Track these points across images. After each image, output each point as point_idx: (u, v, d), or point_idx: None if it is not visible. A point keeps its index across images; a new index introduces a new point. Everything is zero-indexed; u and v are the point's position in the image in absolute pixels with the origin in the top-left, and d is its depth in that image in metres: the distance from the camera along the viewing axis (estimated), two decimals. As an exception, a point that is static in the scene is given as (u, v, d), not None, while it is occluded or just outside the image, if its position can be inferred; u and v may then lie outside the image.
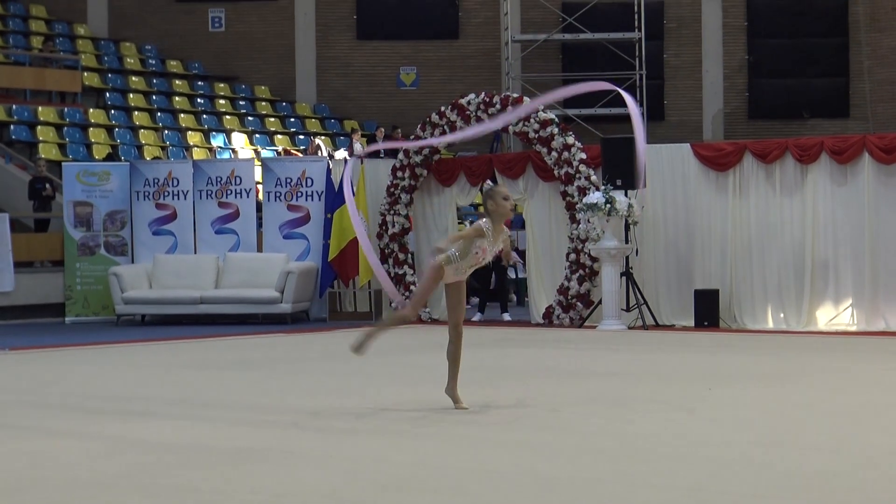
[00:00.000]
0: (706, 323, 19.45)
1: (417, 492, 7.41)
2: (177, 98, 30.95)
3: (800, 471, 7.77)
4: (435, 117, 21.93)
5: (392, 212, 22.19)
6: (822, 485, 7.33)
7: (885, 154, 18.53)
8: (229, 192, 23.41)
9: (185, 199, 23.40)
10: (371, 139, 29.67)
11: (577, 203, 20.13)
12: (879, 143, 18.79)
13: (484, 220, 9.97)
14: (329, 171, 23.01)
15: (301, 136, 30.52)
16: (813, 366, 14.29)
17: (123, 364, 15.72)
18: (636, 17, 31.45)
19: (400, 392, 12.52)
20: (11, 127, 27.05)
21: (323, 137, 29.93)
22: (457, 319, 10.18)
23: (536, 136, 20.89)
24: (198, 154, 28.16)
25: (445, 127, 21.72)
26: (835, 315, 18.94)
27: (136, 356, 16.70)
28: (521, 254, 22.80)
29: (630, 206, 19.33)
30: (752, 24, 32.45)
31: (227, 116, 30.90)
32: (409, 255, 22.30)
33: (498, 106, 21.36)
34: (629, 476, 7.60)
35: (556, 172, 20.67)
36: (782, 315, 19.22)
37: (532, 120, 20.91)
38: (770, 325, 19.23)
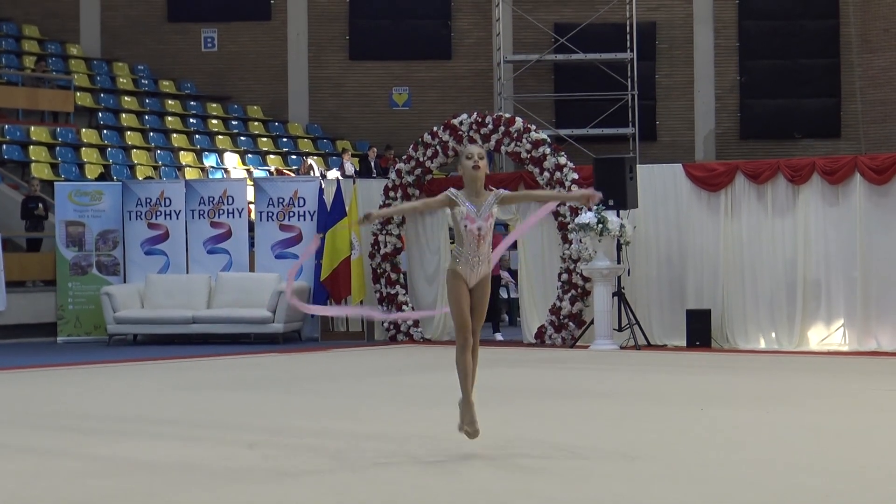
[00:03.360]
0: (698, 343, 19.48)
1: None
2: (169, 118, 30.99)
3: (792, 490, 7.79)
4: (427, 137, 21.98)
5: (384, 231, 22.20)
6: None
7: (876, 175, 18.57)
8: (221, 211, 23.42)
9: (178, 218, 23.41)
10: (363, 159, 29.72)
11: (569, 223, 20.16)
12: (871, 164, 18.83)
13: (452, 189, 9.02)
14: (321, 190, 23.04)
15: (293, 156, 30.56)
16: (805, 387, 14.31)
17: (115, 384, 15.69)
18: (628, 37, 31.53)
19: (396, 413, 12.53)
20: (4, 146, 27.06)
21: (315, 157, 29.95)
22: (473, 325, 8.96)
23: (528, 156, 20.93)
24: (190, 174, 28.18)
25: (437, 147, 21.76)
26: (826, 335, 18.97)
27: (128, 376, 16.69)
28: (514, 273, 22.85)
29: (622, 226, 19.37)
30: (743, 45, 32.55)
31: (220, 136, 30.94)
32: (401, 276, 22.30)
33: (490, 126, 21.41)
34: (622, 496, 7.61)
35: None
36: (774, 335, 19.25)
37: (524, 140, 20.96)
38: (762, 345, 19.26)
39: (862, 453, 9.29)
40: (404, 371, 16.97)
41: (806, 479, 8.13)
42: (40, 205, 24.60)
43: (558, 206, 20.01)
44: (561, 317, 20.41)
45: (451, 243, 22.81)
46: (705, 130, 32.43)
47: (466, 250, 8.73)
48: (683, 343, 19.66)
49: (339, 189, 22.85)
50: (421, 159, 22.01)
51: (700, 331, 19.57)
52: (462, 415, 8.59)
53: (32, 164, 26.70)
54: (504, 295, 23.73)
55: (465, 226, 8.66)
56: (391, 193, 22.18)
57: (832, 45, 32.24)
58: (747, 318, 19.47)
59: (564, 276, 20.41)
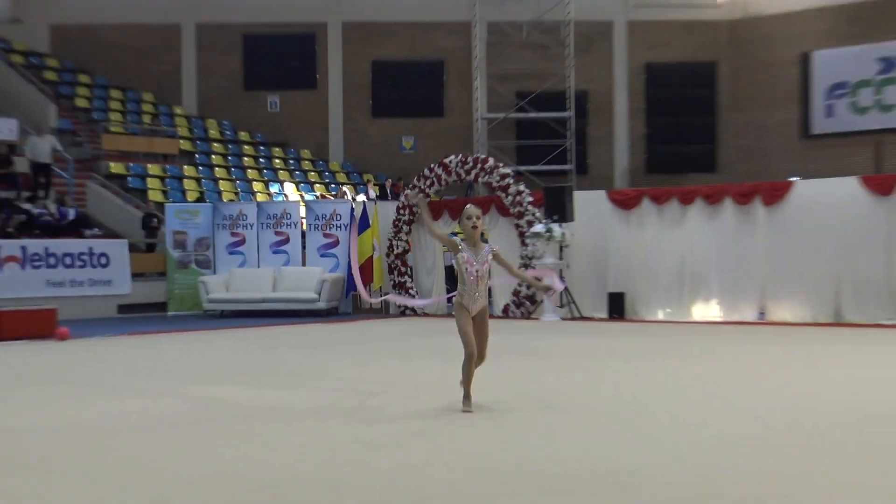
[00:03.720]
0: (615, 315, 19.60)
1: (436, 434, 7.51)
2: (245, 158, 31.05)
3: (678, 411, 7.90)
4: (427, 171, 22.14)
5: (396, 238, 22.35)
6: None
7: (741, 198, 18.71)
8: (282, 224, 23.53)
9: (251, 229, 23.52)
10: (382, 187, 29.80)
11: (526, 232, 20.28)
12: (738, 191, 18.97)
13: (459, 238, 8.74)
14: (352, 209, 23.14)
15: (332, 185, 30.62)
16: (690, 346, 14.41)
17: (208, 345, 15.81)
18: (568, 101, 31.59)
19: (409, 366, 12.63)
20: (129, 178, 27.15)
21: (348, 186, 30.04)
22: (480, 347, 8.47)
23: (498, 184, 21.08)
24: (260, 197, 28.24)
25: (434, 178, 21.92)
26: (706, 310, 19.11)
27: (216, 339, 16.77)
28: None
29: (563, 234, 19.48)
30: (648, 108, 32.61)
31: (281, 171, 30.99)
32: (409, 269, 22.42)
33: (471, 164, 21.57)
34: (558, 423, 7.70)
35: (511, 210, 20.83)
36: (669, 310, 19.38)
37: (495, 173, 21.08)
38: (660, 317, 19.41)
39: (726, 390, 9.40)
40: (411, 336, 17.07)
41: (689, 405, 8.27)
42: (155, 219, 24.70)
43: (516, 222, 20.12)
44: (520, 297, 20.54)
45: (443, 248, 22.98)
46: (622, 167, 32.53)
47: (468, 288, 8.43)
48: (605, 316, 19.78)
49: (364, 209, 22.98)
50: (422, 187, 22.14)
51: (617, 307, 19.71)
52: (463, 401, 8.27)
53: (149, 191, 26.77)
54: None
55: (466, 269, 8.40)
56: (401, 211, 22.31)
57: (710, 108, 32.35)
58: (650, 298, 19.60)
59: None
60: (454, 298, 8.57)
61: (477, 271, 8.40)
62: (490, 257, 8.50)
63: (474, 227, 8.41)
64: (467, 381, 8.33)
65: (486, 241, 8.70)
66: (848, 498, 5.43)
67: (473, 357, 8.28)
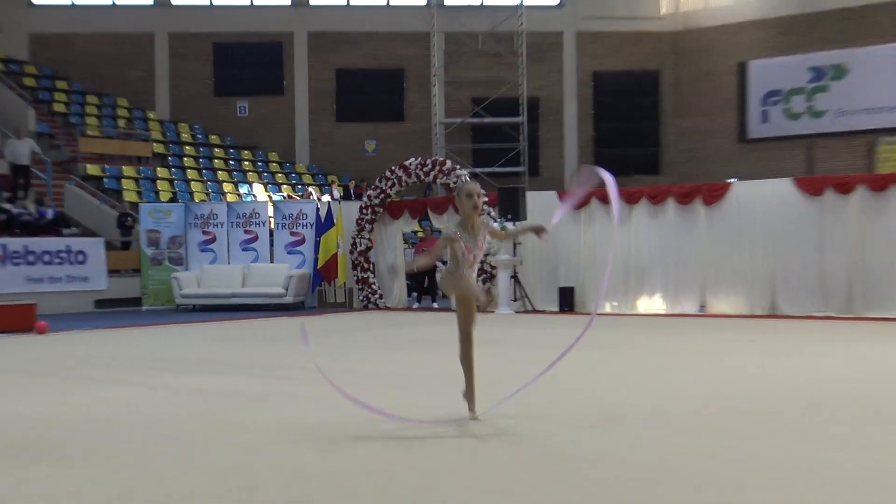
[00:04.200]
0: (566, 309, 19.65)
1: (383, 422, 7.48)
2: (216, 160, 30.89)
3: (618, 389, 7.93)
4: (388, 173, 22.06)
5: (360, 236, 22.26)
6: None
7: (683, 198, 18.81)
8: (251, 223, 23.44)
9: (222, 228, 23.41)
10: (346, 188, 29.75)
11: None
12: (679, 191, 19.06)
13: (450, 229, 7.38)
14: (318, 209, 23.09)
15: (299, 186, 30.52)
16: (634, 335, 14.49)
17: (180, 337, 15.69)
18: (520, 107, 31.67)
19: (373, 355, 12.61)
20: (105, 179, 26.97)
21: (314, 187, 29.95)
22: (468, 328, 7.57)
23: (455, 186, 21.04)
24: (230, 198, 28.12)
25: (395, 179, 21.84)
26: (650, 303, 19.19)
27: (189, 332, 16.67)
28: (445, 263, 22.87)
29: (516, 232, 19.47)
30: (596, 113, 32.77)
31: (250, 173, 30.86)
32: (371, 265, 22.35)
33: (430, 166, 21.51)
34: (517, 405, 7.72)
35: (467, 210, 20.81)
36: (615, 303, 19.44)
37: (452, 175, 21.06)
38: (608, 310, 19.44)
39: (665, 375, 9.45)
40: (373, 327, 17.03)
41: (631, 388, 8.30)
42: (130, 218, 24.55)
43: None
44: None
45: (404, 245, 22.93)
46: (571, 169, 32.62)
47: (463, 269, 7.31)
48: (556, 309, 19.82)
49: (329, 208, 22.91)
50: (384, 188, 22.08)
51: (567, 301, 19.75)
52: (468, 403, 7.29)
53: (124, 191, 26.60)
54: (439, 276, 23.77)
55: (463, 254, 7.22)
56: (364, 211, 22.24)
57: (654, 114, 32.54)
58: (597, 291, 19.66)
59: (478, 265, 20.51)
60: (444, 270, 7.53)
61: (474, 256, 7.35)
62: (487, 236, 7.43)
63: (475, 208, 7.18)
64: (469, 372, 7.43)
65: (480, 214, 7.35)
66: (775, 477, 5.46)
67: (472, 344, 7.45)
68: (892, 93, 28.24)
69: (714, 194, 18.60)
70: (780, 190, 18.05)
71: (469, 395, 7.35)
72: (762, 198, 18.13)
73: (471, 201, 7.12)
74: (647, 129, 32.50)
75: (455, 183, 21.01)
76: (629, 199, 19.38)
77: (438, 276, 23.63)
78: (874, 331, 14.65)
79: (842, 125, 29.09)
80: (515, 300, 19.96)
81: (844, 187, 17.37)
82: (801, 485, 5.32)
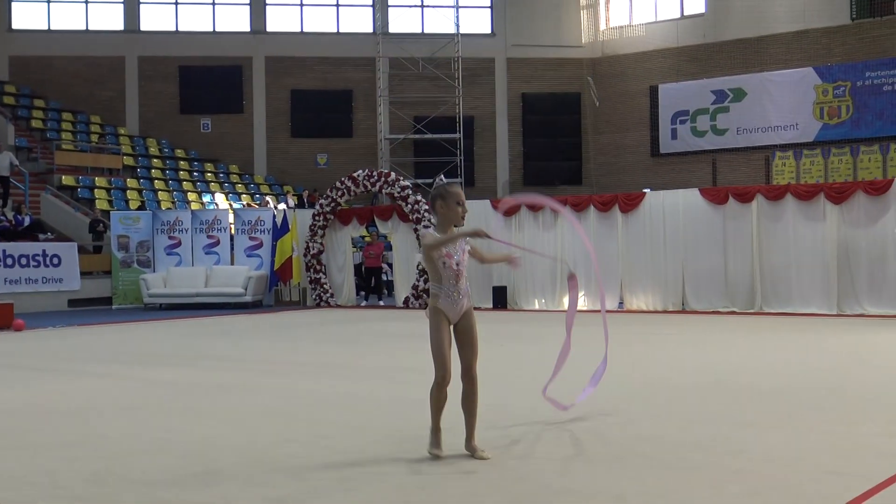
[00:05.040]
0: (499, 306, 19.65)
1: (346, 409, 7.41)
2: (181, 172, 30.54)
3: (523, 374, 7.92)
4: (338, 184, 21.93)
5: (313, 240, 22.09)
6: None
7: (602, 206, 18.90)
8: (213, 229, 23.18)
9: (186, 233, 23.13)
10: (300, 197, 29.59)
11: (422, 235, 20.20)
12: (599, 200, 19.15)
13: (428, 230, 5.88)
14: (274, 216, 22.92)
15: (257, 195, 30.27)
16: (557, 331, 14.51)
17: (148, 333, 15.48)
18: (457, 124, 31.71)
19: (330, 349, 12.53)
20: (78, 189, 26.57)
21: (270, 196, 29.71)
22: (468, 362, 5.59)
23: (399, 195, 20.97)
24: (194, 206, 27.80)
25: (344, 189, 21.70)
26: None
27: (156, 329, 16.47)
28: (390, 265, 22.84)
29: (454, 237, 19.43)
30: (525, 130, 32.84)
31: (212, 183, 30.54)
32: (323, 267, 22.18)
33: (376, 177, 21.42)
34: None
35: (410, 217, 20.76)
36: (543, 301, 19.49)
37: (396, 186, 20.98)
38: (536, 307, 19.49)
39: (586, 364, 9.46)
40: (326, 324, 16.93)
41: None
42: (101, 225, 24.19)
43: (414, 227, 20.05)
44: (418, 290, 20.46)
45: (353, 248, 22.82)
46: (503, 180, 32.71)
47: (446, 286, 5.72)
48: (490, 306, 19.81)
49: (285, 215, 22.72)
50: (334, 197, 21.93)
51: (500, 299, 19.76)
52: (431, 441, 5.55)
53: (96, 200, 26.20)
54: (385, 278, 23.71)
55: (444, 262, 5.72)
56: (317, 218, 22.08)
57: (576, 131, 32.71)
58: (527, 291, 19.67)
59: (420, 266, 20.49)
60: (429, 302, 5.79)
61: (457, 264, 5.79)
62: (468, 248, 5.93)
63: (463, 216, 5.89)
64: (436, 412, 5.57)
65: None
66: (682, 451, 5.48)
67: (446, 381, 5.50)
68: (784, 113, 28.67)
69: (630, 203, 18.73)
70: (688, 199, 18.22)
71: (470, 442, 5.58)
72: (672, 206, 18.29)
73: (460, 209, 5.81)
74: (570, 145, 32.66)
75: (399, 193, 20.94)
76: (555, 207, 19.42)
77: (385, 278, 23.66)
78: (773, 324, 14.85)
79: (741, 142, 29.47)
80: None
81: (744, 197, 17.58)
82: (696, 457, 5.34)
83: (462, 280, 5.77)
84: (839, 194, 16.64)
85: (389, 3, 32.79)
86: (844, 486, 4.71)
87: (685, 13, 31.03)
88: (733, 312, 17.21)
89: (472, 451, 5.51)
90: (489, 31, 33.05)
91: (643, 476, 5.05)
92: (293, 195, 30.10)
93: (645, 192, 19.13)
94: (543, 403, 6.87)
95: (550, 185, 30.80)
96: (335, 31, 32.84)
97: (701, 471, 5.13)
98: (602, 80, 32.31)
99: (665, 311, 17.91)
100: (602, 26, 32.55)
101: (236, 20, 32.59)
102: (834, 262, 16.59)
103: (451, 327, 5.68)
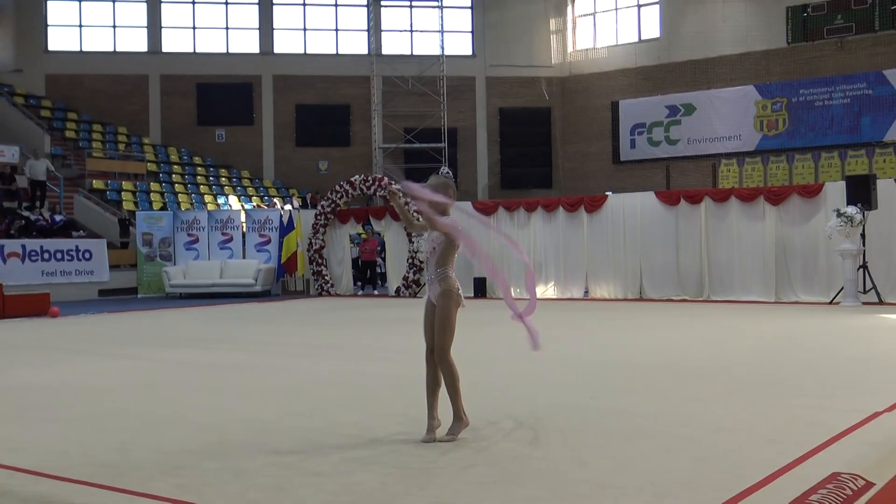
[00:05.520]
0: (479, 295, 19.64)
1: (345, 386, 7.39)
2: (198, 177, 30.37)
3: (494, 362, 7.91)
4: (337, 187, 21.87)
5: (315, 237, 22.03)
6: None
7: (570, 207, 18.92)
8: (227, 227, 23.09)
9: (203, 231, 23.03)
10: (304, 200, 29.52)
11: (413, 233, 20.20)
12: (567, 202, 19.18)
13: (445, 218, 5.46)
14: (281, 216, 22.84)
15: (266, 198, 30.14)
16: (536, 315, 14.51)
17: (169, 319, 15.43)
18: (442, 135, 31.66)
19: (330, 332, 12.49)
20: (108, 192, 26.41)
21: (278, 198, 29.60)
22: (433, 344, 5.44)
23: (386, 191, 20.89)
24: (210, 207, 27.65)
25: (343, 192, 21.65)
26: (545, 290, 19.28)
27: (176, 315, 16.41)
28: (384, 259, 22.79)
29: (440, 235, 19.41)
30: (502, 140, 32.75)
31: (226, 187, 30.38)
32: (324, 261, 22.13)
33: (370, 181, 21.37)
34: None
35: (401, 217, 20.70)
36: (518, 290, 19.43)
37: (388, 189, 20.95)
38: (512, 295, 19.41)
39: (555, 346, 9.45)
40: (327, 310, 16.88)
41: (525, 353, 8.28)
42: (128, 223, 24.08)
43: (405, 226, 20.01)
44: (408, 281, 20.45)
45: (351, 244, 22.78)
46: (483, 184, 32.68)
47: (426, 272, 5.52)
48: (472, 295, 19.78)
49: (290, 215, 22.65)
50: (334, 199, 21.87)
51: (481, 288, 19.76)
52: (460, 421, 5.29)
53: (123, 202, 26.05)
54: (379, 270, 23.67)
55: (426, 247, 5.50)
56: (318, 217, 22.03)
57: (547, 141, 32.68)
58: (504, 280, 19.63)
59: (409, 260, 20.47)
60: (447, 285, 5.50)
61: (434, 249, 5.54)
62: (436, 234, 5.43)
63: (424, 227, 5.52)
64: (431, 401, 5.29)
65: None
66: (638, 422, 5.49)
67: (427, 358, 5.41)
68: (729, 125, 28.73)
69: (594, 204, 18.75)
70: (645, 201, 18.25)
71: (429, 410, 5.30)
72: (631, 207, 18.32)
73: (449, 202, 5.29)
74: (542, 153, 32.63)
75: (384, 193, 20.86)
76: (528, 207, 19.46)
77: (380, 270, 23.61)
78: (719, 310, 14.90)
79: (692, 150, 29.51)
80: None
81: (694, 199, 17.62)
82: (651, 428, 5.36)
83: (430, 265, 5.55)
84: (777, 197, 16.71)
85: (382, 28, 32.72)
86: (780, 452, 4.73)
87: (642, 37, 31.06)
88: (684, 300, 17.26)
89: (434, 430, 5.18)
90: (471, 52, 33.01)
91: (604, 444, 5.07)
92: (298, 197, 30.01)
93: (607, 195, 19.16)
94: (514, 382, 6.87)
95: (524, 189, 30.79)
96: (334, 52, 32.73)
97: (655, 439, 5.15)
98: (569, 96, 32.31)
99: (625, 300, 17.95)
100: (569, 49, 32.55)
101: (247, 42, 32.47)
102: (772, 257, 16.67)
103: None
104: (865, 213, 14.97)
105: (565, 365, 8.21)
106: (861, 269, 15.30)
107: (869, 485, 4.17)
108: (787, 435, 5.15)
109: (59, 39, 31.67)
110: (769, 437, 5.13)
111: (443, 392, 5.42)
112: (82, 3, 31.57)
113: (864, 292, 15.23)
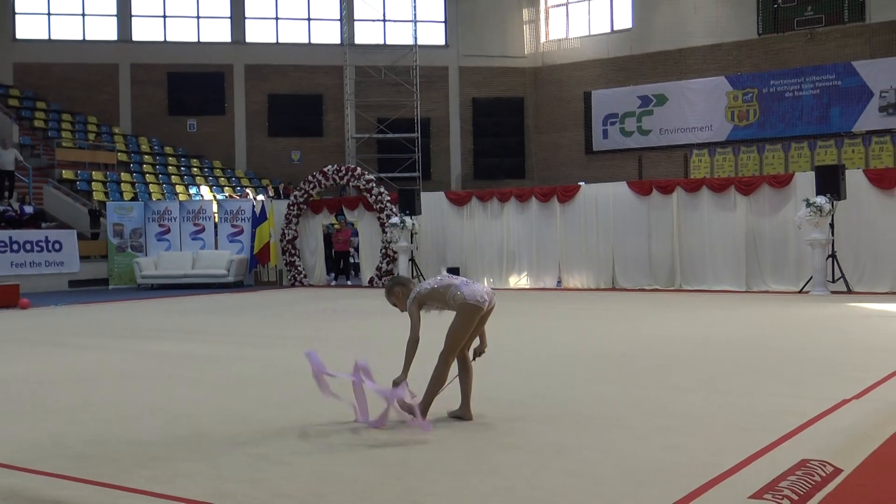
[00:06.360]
0: (453, 284, 19.61)
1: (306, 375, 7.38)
2: (170, 167, 30.14)
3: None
4: (310, 177, 21.81)
5: (288, 227, 21.96)
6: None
7: (543, 197, 18.98)
8: (199, 217, 22.94)
9: (175, 221, 22.87)
10: (277, 190, 29.37)
11: (385, 223, 20.19)
12: (540, 192, 19.23)
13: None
14: (254, 206, 22.72)
15: (238, 188, 29.96)
16: (509, 304, 14.59)
17: (141, 310, 15.31)
18: (415, 125, 31.62)
19: (303, 323, 12.46)
20: (77, 182, 26.14)
21: (250, 188, 29.43)
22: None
23: (364, 187, 20.90)
24: (182, 197, 27.44)
25: (316, 182, 21.59)
26: (518, 279, 19.34)
27: (148, 306, 16.29)
28: (357, 249, 22.75)
29: (413, 224, 19.46)
30: (475, 130, 32.77)
31: (198, 177, 30.17)
32: (297, 251, 22.06)
33: (343, 171, 21.32)
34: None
35: (374, 207, 20.70)
36: (492, 280, 19.54)
37: (362, 179, 20.90)
38: (485, 284, 19.49)
39: (529, 334, 9.48)
40: (300, 302, 16.83)
41: (499, 340, 8.30)
42: (98, 214, 23.85)
43: (378, 216, 19.91)
44: (381, 271, 20.44)
45: (324, 233, 22.71)
46: (456, 174, 32.68)
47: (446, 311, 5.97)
48: (445, 285, 19.81)
49: (263, 206, 22.54)
50: (307, 189, 21.80)
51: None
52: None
53: (94, 192, 25.80)
54: (352, 260, 23.63)
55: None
56: (291, 208, 21.95)
57: (520, 130, 32.75)
58: (477, 271, 19.66)
59: (383, 250, 20.45)
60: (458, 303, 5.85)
61: (439, 312, 6.16)
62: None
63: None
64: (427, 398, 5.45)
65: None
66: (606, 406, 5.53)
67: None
68: (700, 116, 28.90)
69: (567, 194, 18.82)
70: (617, 191, 18.35)
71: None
72: (604, 197, 18.41)
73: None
74: (515, 143, 32.68)
75: (364, 185, 20.83)
76: (501, 197, 19.50)
77: (353, 261, 23.56)
78: (691, 299, 15.02)
79: (663, 141, 29.67)
80: (414, 278, 19.92)
81: (666, 189, 17.73)
82: (626, 415, 5.40)
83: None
84: (747, 187, 16.85)
85: (355, 18, 32.56)
86: (751, 439, 4.78)
87: (615, 28, 31.14)
88: (656, 290, 17.38)
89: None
90: (443, 42, 32.95)
91: (580, 431, 5.10)
92: (270, 187, 29.87)
93: (580, 185, 19.24)
94: (488, 372, 6.89)
95: (497, 179, 30.82)
96: (307, 41, 32.55)
97: (631, 426, 5.18)
98: (542, 86, 32.37)
99: (597, 289, 18.04)
100: (542, 39, 32.58)
101: (218, 31, 32.20)
102: (743, 246, 16.81)
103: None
104: (834, 202, 15.15)
105: (539, 355, 8.24)
106: (830, 259, 15.48)
107: (837, 471, 4.22)
108: (758, 423, 5.21)
109: (28, 27, 31.24)
110: (741, 425, 5.18)
111: (454, 386, 5.40)
112: (50, -10, 31.16)
113: (833, 281, 15.41)
